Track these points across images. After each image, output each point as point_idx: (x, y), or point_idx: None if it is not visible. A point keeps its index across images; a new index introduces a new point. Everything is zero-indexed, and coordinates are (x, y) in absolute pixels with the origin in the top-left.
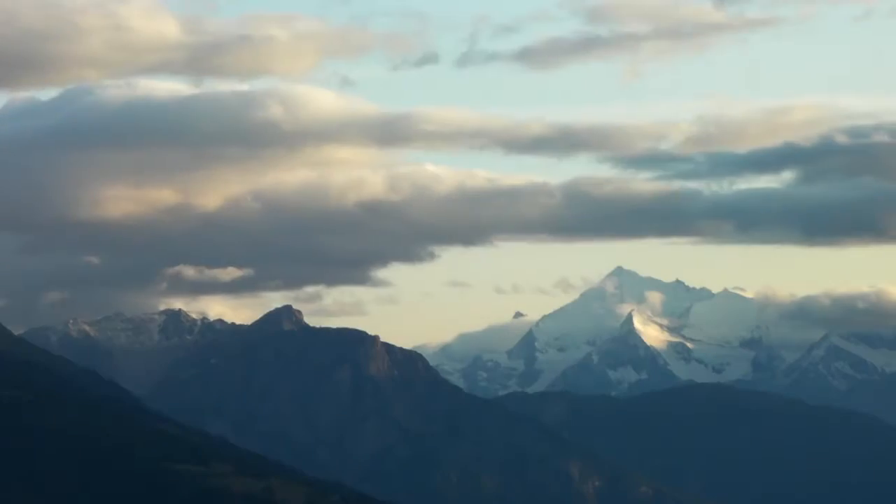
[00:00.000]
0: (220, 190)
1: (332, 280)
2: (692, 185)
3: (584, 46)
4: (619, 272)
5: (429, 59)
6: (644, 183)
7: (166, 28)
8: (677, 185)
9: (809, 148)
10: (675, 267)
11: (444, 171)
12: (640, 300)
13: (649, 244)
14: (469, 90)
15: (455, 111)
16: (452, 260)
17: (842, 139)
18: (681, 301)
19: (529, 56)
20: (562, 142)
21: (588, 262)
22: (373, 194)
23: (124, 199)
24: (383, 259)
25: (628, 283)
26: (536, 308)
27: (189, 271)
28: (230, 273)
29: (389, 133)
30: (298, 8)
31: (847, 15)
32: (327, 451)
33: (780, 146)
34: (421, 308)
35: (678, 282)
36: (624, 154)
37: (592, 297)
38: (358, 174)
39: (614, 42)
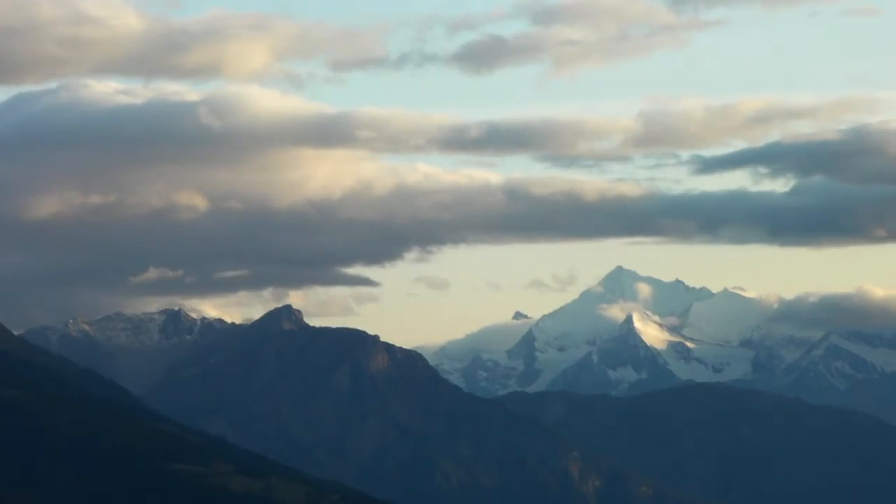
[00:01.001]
0: (161, 191)
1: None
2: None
3: (528, 47)
4: (618, 272)
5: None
6: (588, 182)
7: (123, 26)
8: (625, 183)
9: (760, 148)
10: (675, 267)
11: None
12: (640, 300)
13: (609, 244)
14: (411, 90)
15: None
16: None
17: (789, 138)
18: (680, 301)
19: (470, 57)
20: (502, 141)
21: (545, 261)
22: (320, 194)
23: (62, 200)
24: (349, 259)
25: (628, 282)
26: (537, 308)
27: (152, 273)
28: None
29: (332, 133)
30: (255, 7)
31: (798, 13)
32: (327, 450)
33: (728, 145)
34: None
35: (678, 281)
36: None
37: (592, 296)
38: (305, 174)
39: (556, 43)
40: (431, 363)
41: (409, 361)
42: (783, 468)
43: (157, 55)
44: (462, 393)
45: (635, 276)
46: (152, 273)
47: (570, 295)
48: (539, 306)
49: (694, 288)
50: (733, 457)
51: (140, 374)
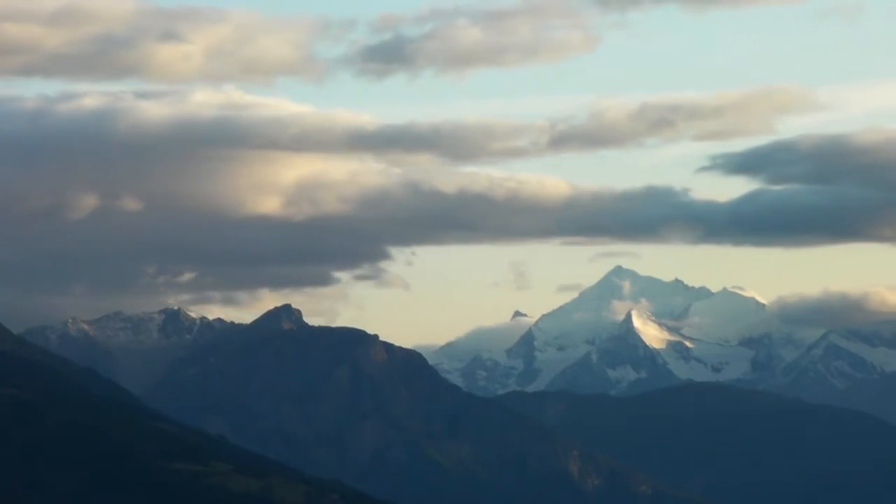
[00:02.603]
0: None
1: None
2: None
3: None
4: (618, 271)
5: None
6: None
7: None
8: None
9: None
10: (673, 266)
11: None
12: (640, 299)
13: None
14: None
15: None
16: None
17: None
18: (680, 300)
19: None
20: (408, 141)
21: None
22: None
23: None
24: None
25: (628, 282)
26: (537, 307)
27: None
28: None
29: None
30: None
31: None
32: (326, 449)
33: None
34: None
35: (677, 281)
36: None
37: (591, 296)
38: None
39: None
40: (431, 363)
41: (408, 361)
42: (783, 467)
43: None
44: (462, 392)
45: (635, 276)
46: None
47: (570, 294)
48: (539, 306)
49: (693, 287)
50: (733, 456)
51: (139, 374)
